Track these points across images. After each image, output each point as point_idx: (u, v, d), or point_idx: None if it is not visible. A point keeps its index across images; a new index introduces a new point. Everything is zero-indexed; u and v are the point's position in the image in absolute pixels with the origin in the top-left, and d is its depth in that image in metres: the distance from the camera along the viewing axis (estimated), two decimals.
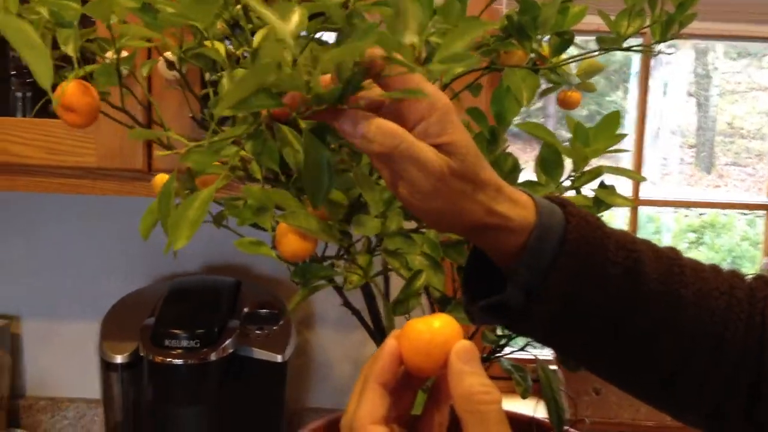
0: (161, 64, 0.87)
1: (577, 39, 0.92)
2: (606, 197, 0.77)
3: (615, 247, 0.63)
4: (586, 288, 0.62)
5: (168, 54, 0.96)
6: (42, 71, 0.45)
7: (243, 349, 1.27)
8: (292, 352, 1.32)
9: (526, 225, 0.62)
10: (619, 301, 0.63)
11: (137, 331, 1.25)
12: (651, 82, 1.67)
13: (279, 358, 1.29)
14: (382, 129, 0.55)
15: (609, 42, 0.88)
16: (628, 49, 0.90)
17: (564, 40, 0.91)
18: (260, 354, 1.28)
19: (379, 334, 0.89)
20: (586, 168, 0.80)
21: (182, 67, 0.88)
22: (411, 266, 0.73)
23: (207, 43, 0.81)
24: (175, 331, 1.21)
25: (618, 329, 0.63)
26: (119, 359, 1.26)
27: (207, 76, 0.97)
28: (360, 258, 0.72)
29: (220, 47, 0.89)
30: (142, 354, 1.21)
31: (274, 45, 0.49)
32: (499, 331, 0.95)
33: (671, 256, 0.66)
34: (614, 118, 0.74)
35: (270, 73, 0.49)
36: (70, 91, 0.66)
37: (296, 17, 0.52)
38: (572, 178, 0.79)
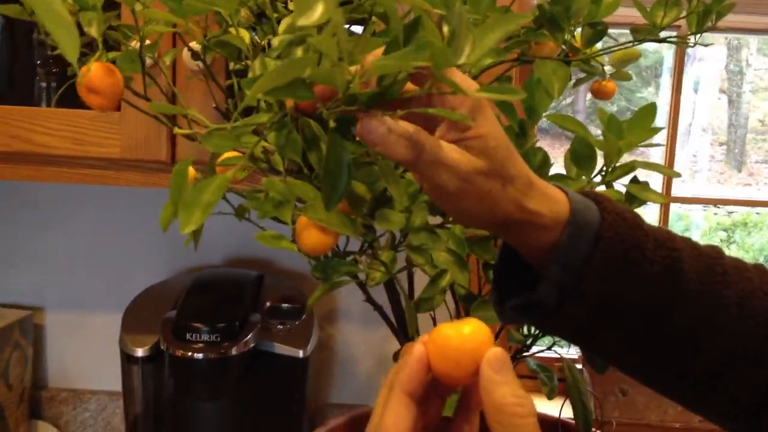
0: (185, 53, 0.86)
1: (610, 32, 0.89)
2: (639, 193, 0.74)
3: (653, 245, 0.61)
4: (622, 287, 0.60)
5: (192, 43, 0.94)
6: (69, 45, 0.44)
7: (264, 344, 1.25)
8: (313, 348, 1.31)
9: (559, 221, 0.60)
10: (656, 300, 0.60)
11: (158, 323, 1.24)
12: (683, 79, 1.64)
13: (300, 354, 1.27)
14: (404, 137, 0.52)
15: (644, 33, 0.86)
16: (663, 40, 0.87)
17: (597, 31, 0.88)
18: (281, 349, 1.27)
19: (402, 332, 0.87)
20: (618, 163, 0.77)
21: (207, 56, 0.87)
22: (436, 263, 0.71)
23: (231, 30, 0.80)
24: (196, 324, 1.19)
25: (655, 329, 0.61)
26: (140, 352, 1.25)
27: (231, 65, 0.96)
28: (383, 254, 0.70)
29: (245, 35, 0.87)
30: (163, 347, 1.20)
31: (329, 39, 0.47)
32: (525, 330, 0.93)
33: (712, 255, 0.64)
34: (650, 110, 0.72)
35: (309, 66, 0.47)
36: (94, 72, 0.65)
37: (320, 7, 0.50)
38: (603, 172, 0.76)
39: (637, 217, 0.62)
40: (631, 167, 0.74)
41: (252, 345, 1.22)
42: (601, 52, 0.86)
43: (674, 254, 0.61)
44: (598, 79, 0.95)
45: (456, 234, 0.77)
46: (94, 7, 0.62)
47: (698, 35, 0.88)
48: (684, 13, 0.86)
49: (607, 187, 0.76)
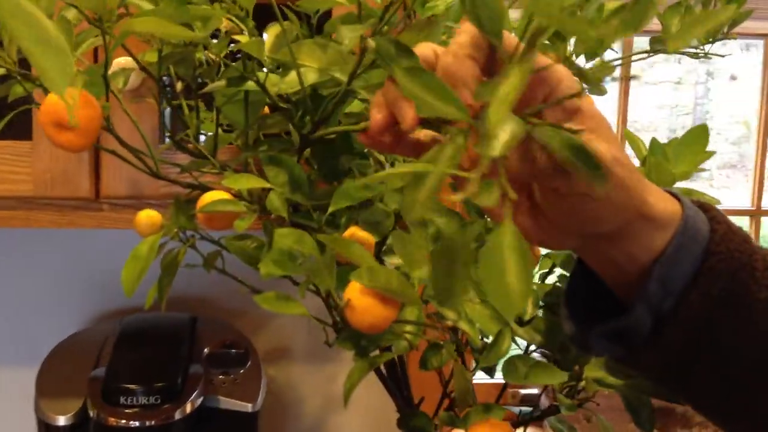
0: (135, 73, 0.71)
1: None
2: None
3: (763, 266, 0.51)
4: (729, 313, 0.51)
5: (124, 59, 0.79)
6: (58, 71, 0.30)
7: (208, 399, 1.10)
8: (263, 399, 1.16)
9: (673, 221, 0.51)
10: (765, 333, 0.51)
11: (83, 384, 1.06)
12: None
13: (250, 407, 1.12)
14: None
15: (659, 43, 0.77)
16: (677, 51, 0.78)
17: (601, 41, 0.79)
18: (228, 404, 1.11)
19: (402, 399, 0.74)
20: None
21: (159, 75, 0.71)
22: (471, 317, 0.59)
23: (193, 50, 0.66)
24: (130, 385, 1.02)
25: (761, 366, 0.51)
26: (62, 420, 1.06)
27: (178, 86, 0.81)
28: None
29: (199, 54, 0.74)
30: (91, 414, 1.03)
31: None
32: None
33: None
34: (701, 132, 0.62)
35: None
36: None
37: None
38: None
39: (745, 232, 0.53)
40: (687, 194, 0.64)
41: (198, 404, 1.06)
42: (613, 62, 0.77)
43: (746, 259, 0.52)
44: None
45: (470, 276, 0.65)
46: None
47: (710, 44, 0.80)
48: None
49: None
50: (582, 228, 0.49)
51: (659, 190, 0.52)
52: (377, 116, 0.46)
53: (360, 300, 0.51)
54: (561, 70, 0.46)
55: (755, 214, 1.68)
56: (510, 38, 0.44)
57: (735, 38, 0.81)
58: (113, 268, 1.29)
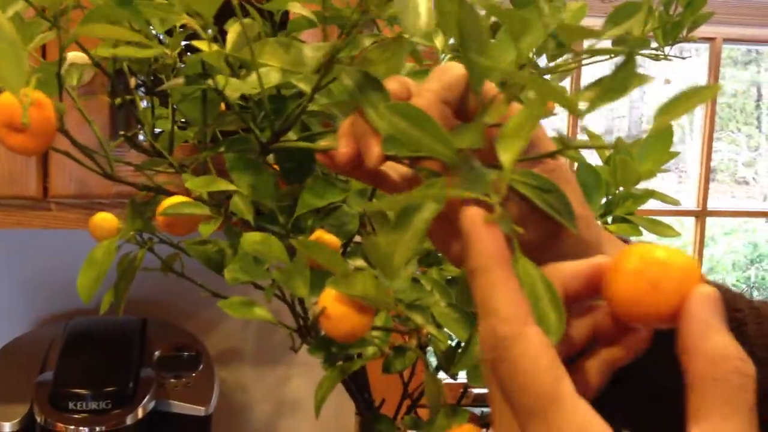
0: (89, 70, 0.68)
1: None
2: (652, 228, 0.65)
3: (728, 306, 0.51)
4: None
5: (74, 54, 0.76)
6: (12, 71, 0.28)
7: (160, 403, 1.07)
8: (216, 402, 1.14)
9: None
10: None
11: (29, 389, 1.03)
12: None
13: (203, 411, 1.10)
14: None
15: (632, 44, 0.77)
16: (637, 53, 0.79)
17: (559, 44, 0.79)
18: (180, 408, 1.09)
19: (363, 403, 0.73)
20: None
21: (113, 71, 0.69)
22: (439, 321, 0.58)
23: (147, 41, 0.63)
24: (80, 390, 0.99)
25: None
26: (7, 427, 1.03)
27: (132, 82, 0.79)
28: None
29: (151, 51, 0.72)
30: (38, 419, 0.99)
31: None
32: None
33: None
34: (666, 132, 0.63)
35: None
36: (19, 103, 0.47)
37: None
38: (611, 204, 0.66)
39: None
40: (646, 197, 0.65)
41: (149, 409, 1.03)
42: (558, 70, 0.77)
43: (739, 315, 0.52)
44: None
45: (436, 279, 0.65)
46: None
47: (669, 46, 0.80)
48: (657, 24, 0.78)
49: (620, 222, 0.66)
50: None
51: (613, 238, 0.51)
52: (344, 149, 0.45)
53: (336, 308, 0.49)
54: (540, 128, 0.46)
55: (700, 215, 1.71)
56: (488, 85, 0.44)
57: (695, 40, 0.81)
58: (58, 269, 1.26)
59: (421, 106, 0.42)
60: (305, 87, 0.57)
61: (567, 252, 0.45)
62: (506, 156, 0.36)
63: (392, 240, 0.34)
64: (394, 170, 0.47)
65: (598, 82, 0.37)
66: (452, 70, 0.44)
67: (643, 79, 0.36)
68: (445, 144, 0.36)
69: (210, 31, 0.70)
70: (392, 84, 0.46)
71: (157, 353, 1.14)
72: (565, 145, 0.39)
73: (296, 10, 0.65)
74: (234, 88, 0.59)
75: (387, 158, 0.42)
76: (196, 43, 0.67)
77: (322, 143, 0.46)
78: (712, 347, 0.34)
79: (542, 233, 0.45)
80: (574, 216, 0.41)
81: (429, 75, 0.45)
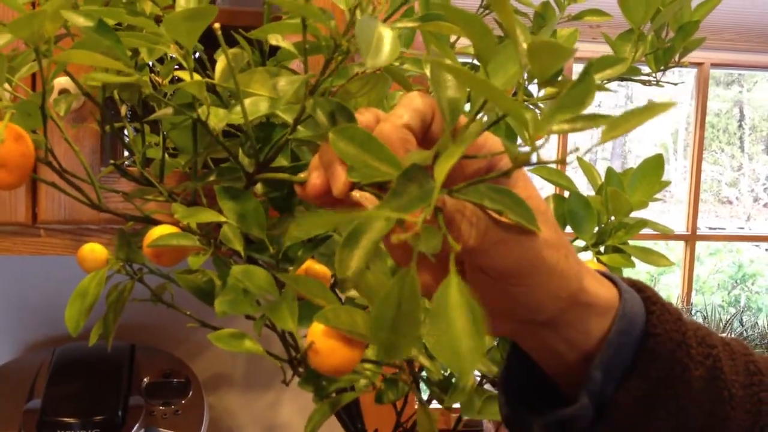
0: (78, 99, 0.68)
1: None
2: (644, 257, 0.65)
3: (696, 342, 0.51)
4: (668, 392, 0.50)
5: (62, 79, 0.76)
6: None
7: None
8: (206, 430, 1.12)
9: (611, 306, 0.49)
10: (702, 408, 0.51)
11: (17, 418, 1.02)
12: None
13: None
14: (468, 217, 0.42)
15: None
16: (627, 78, 0.79)
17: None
18: None
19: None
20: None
21: (102, 100, 0.69)
22: (432, 352, 0.57)
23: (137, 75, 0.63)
24: (69, 419, 0.98)
25: None
26: None
27: (122, 110, 0.79)
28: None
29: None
30: None
31: None
32: None
33: (743, 352, 0.55)
34: (657, 162, 0.63)
35: None
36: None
37: None
38: (603, 234, 0.66)
39: (676, 308, 0.52)
40: (639, 227, 0.64)
41: None
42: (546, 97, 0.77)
43: (714, 352, 0.52)
44: None
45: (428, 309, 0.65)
46: None
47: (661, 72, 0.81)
48: (650, 49, 0.79)
49: (611, 252, 0.66)
50: (514, 314, 0.48)
51: (595, 273, 0.51)
52: (314, 181, 0.45)
53: (324, 342, 0.49)
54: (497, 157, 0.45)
55: (690, 239, 1.72)
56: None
57: (687, 65, 0.82)
58: (46, 294, 1.25)
59: (384, 131, 0.43)
60: (288, 118, 0.57)
61: (539, 283, 0.45)
62: (438, 168, 0.35)
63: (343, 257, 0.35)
64: (369, 200, 0.47)
65: (557, 97, 0.37)
66: (419, 98, 0.44)
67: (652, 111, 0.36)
68: (390, 163, 0.37)
69: (198, 55, 0.70)
70: (362, 114, 0.46)
71: (145, 380, 1.13)
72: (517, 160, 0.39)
73: (275, 42, 0.65)
74: (219, 118, 0.59)
75: (353, 186, 0.42)
76: (178, 73, 0.67)
77: (301, 175, 0.46)
78: None
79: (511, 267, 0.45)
80: (532, 213, 0.41)
81: (397, 102, 0.45)
